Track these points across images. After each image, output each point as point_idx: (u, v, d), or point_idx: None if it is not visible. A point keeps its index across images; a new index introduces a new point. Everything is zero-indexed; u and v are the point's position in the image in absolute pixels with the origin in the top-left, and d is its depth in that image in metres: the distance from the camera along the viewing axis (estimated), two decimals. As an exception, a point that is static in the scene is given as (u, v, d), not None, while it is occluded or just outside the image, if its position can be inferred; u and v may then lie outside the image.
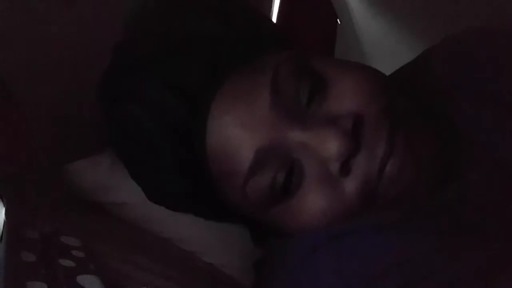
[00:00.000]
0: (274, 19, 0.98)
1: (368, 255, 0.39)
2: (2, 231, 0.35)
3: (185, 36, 0.43)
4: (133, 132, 0.43)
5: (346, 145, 0.38)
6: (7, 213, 0.36)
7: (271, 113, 0.39)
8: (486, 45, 0.50)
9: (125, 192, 0.50)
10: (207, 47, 0.43)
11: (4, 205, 0.37)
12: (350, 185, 0.39)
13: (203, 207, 0.47)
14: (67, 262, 0.36)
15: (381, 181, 0.39)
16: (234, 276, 0.50)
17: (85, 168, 0.51)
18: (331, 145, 0.38)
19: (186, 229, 0.51)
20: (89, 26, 0.56)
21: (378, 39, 0.91)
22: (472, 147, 0.44)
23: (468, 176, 0.42)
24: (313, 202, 0.40)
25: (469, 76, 0.49)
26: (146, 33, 0.46)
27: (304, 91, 0.40)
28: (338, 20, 0.99)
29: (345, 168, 0.39)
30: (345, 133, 0.38)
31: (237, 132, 0.40)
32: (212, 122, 0.41)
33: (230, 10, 0.46)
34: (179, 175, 0.43)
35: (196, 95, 0.41)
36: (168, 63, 0.42)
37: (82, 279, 0.34)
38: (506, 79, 0.47)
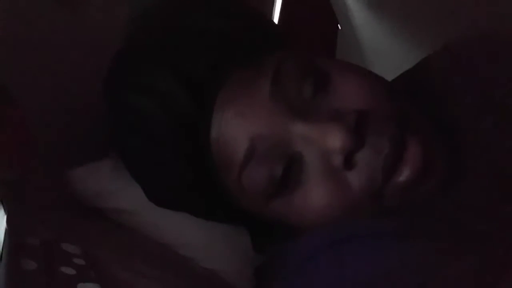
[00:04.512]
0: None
1: (369, 260, 0.39)
2: (3, 238, 0.35)
3: (192, 28, 0.44)
4: (138, 122, 0.43)
5: (349, 138, 0.38)
6: (8, 220, 0.36)
7: (269, 103, 0.40)
8: (486, 50, 0.51)
9: (125, 198, 0.50)
10: (214, 40, 0.43)
11: (5, 212, 0.37)
12: (355, 178, 0.39)
13: (204, 204, 0.47)
14: (68, 270, 0.36)
15: (388, 183, 0.39)
16: (234, 282, 0.50)
17: (85, 174, 0.51)
18: (334, 138, 0.38)
19: (186, 235, 0.51)
20: (91, 28, 0.56)
21: (379, 45, 0.90)
22: (472, 150, 0.44)
23: (468, 179, 0.42)
24: (318, 196, 0.40)
25: (469, 82, 0.49)
26: (153, 24, 0.46)
27: (308, 85, 0.40)
28: (338, 25, 0.99)
29: (349, 162, 0.39)
30: (348, 128, 0.38)
31: (235, 122, 0.40)
32: (216, 114, 0.41)
33: (235, 9, 0.47)
34: (182, 167, 0.43)
35: (202, 86, 0.41)
36: (175, 53, 0.42)
37: (83, 287, 0.34)
38: (506, 83, 0.47)
